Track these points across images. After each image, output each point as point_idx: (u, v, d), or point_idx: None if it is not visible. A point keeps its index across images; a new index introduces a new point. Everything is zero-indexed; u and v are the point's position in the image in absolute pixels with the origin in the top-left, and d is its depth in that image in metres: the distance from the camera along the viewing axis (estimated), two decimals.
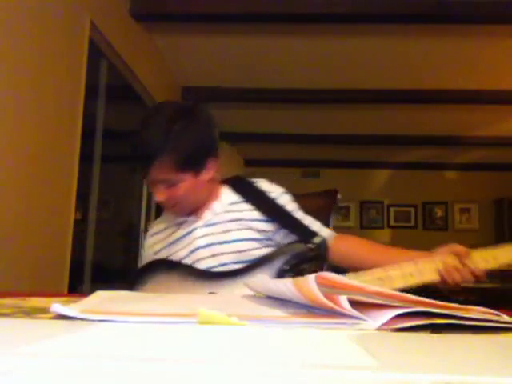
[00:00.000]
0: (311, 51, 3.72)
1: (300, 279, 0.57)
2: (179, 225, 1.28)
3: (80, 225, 2.61)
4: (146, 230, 1.40)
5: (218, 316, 0.50)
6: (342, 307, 0.51)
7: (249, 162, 6.86)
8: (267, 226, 1.23)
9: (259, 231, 1.23)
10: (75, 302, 0.61)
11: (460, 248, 1.09)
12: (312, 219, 1.27)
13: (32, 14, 2.01)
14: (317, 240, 1.18)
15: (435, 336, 0.49)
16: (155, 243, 1.32)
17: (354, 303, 0.52)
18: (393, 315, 0.50)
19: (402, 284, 1.00)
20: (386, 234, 6.82)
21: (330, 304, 0.51)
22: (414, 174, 6.76)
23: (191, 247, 1.23)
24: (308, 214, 1.29)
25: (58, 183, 2.25)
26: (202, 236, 1.23)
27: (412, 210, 6.93)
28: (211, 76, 4.23)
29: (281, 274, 1.11)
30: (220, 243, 1.22)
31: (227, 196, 1.27)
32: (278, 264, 1.13)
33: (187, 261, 1.23)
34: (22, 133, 1.97)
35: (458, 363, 0.36)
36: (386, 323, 0.50)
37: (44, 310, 0.61)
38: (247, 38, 3.59)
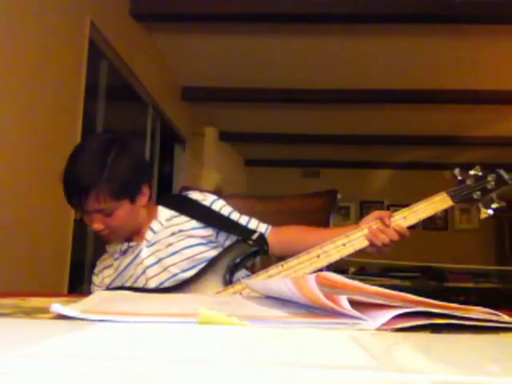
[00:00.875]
0: (311, 51, 3.72)
1: (300, 279, 0.57)
2: (124, 253, 1.30)
3: (80, 225, 2.61)
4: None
5: (218, 316, 0.50)
6: (341, 307, 0.51)
7: (249, 162, 6.86)
8: (206, 232, 1.29)
9: (200, 237, 1.28)
10: (75, 302, 0.61)
11: (382, 212, 1.20)
12: (248, 218, 1.33)
13: (32, 14, 2.01)
14: (254, 236, 1.23)
15: (435, 336, 0.49)
16: (105, 278, 1.33)
17: (354, 303, 0.52)
18: (393, 315, 0.50)
19: (337, 255, 1.13)
20: None
21: (330, 304, 0.51)
22: (414, 173, 6.75)
23: (141, 268, 1.26)
24: (307, 214, 1.31)
25: (58, 183, 2.25)
26: (149, 255, 1.26)
27: None
28: (211, 76, 4.23)
29: (231, 273, 1.18)
30: (168, 256, 1.25)
31: (163, 213, 1.31)
32: (224, 265, 1.18)
33: (141, 281, 1.25)
34: (22, 133, 1.97)
35: (458, 363, 0.36)
36: (386, 323, 0.50)
37: (44, 310, 0.61)
38: (247, 38, 3.59)
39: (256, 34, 3.52)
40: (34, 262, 2.03)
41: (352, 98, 4.39)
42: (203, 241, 1.28)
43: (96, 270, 1.38)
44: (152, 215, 1.31)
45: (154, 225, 1.29)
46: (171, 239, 1.27)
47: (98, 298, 0.71)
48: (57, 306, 0.52)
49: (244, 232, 1.26)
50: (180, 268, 1.24)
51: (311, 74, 4.04)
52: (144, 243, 1.28)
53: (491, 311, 0.56)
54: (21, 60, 1.94)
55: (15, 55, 1.91)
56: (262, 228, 1.32)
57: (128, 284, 1.27)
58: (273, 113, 5.10)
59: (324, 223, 1.44)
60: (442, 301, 0.55)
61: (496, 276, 5.34)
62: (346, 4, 2.97)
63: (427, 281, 4.27)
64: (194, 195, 1.34)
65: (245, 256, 1.20)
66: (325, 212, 1.51)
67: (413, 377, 0.30)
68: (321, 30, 3.39)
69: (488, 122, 5.01)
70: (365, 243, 1.16)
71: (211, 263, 1.21)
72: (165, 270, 1.25)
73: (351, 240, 1.15)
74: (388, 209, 6.90)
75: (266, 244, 1.25)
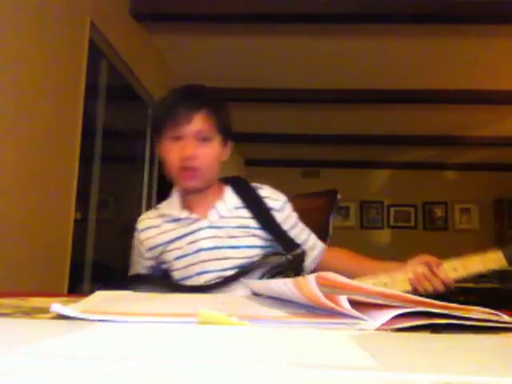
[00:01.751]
0: (311, 51, 3.72)
1: (300, 279, 0.57)
2: (178, 221, 1.24)
3: (80, 225, 2.61)
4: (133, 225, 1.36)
5: (218, 316, 0.50)
6: (342, 307, 0.51)
7: (249, 162, 6.85)
8: (266, 235, 1.23)
9: (263, 239, 1.23)
10: (75, 301, 0.61)
11: (430, 258, 1.15)
12: (309, 232, 1.30)
13: (32, 14, 2.01)
14: (295, 252, 1.19)
15: (435, 336, 0.49)
16: (148, 238, 1.28)
17: (354, 303, 0.52)
18: (393, 315, 0.50)
19: None
20: (386, 234, 6.83)
21: (330, 304, 0.51)
22: (413, 173, 6.75)
23: (194, 248, 1.21)
24: (307, 214, 1.30)
25: (58, 183, 2.25)
26: (208, 238, 1.21)
27: (412, 210, 6.93)
28: (211, 76, 4.23)
29: None
30: (227, 247, 1.20)
31: (231, 199, 1.25)
32: (256, 275, 1.14)
33: (189, 260, 1.20)
34: (22, 133, 1.97)
35: (458, 363, 0.36)
36: (386, 323, 0.50)
37: (44, 310, 0.61)
38: (247, 38, 3.59)
39: (256, 34, 3.52)
40: (33, 262, 2.03)
41: (352, 98, 4.39)
42: (264, 244, 1.22)
43: (140, 226, 1.31)
44: (218, 192, 1.26)
45: (220, 206, 1.23)
46: (235, 232, 1.21)
47: (98, 297, 0.71)
48: (57, 305, 0.52)
49: (288, 245, 1.21)
50: (233, 264, 1.18)
51: (311, 73, 4.04)
52: (205, 222, 1.21)
53: (491, 311, 0.56)
54: (21, 60, 1.94)
55: (15, 55, 1.91)
56: (318, 246, 1.30)
57: (171, 257, 1.23)
58: (273, 113, 5.10)
59: (324, 223, 1.44)
60: (441, 301, 0.55)
61: (496, 276, 5.34)
62: (345, 4, 2.97)
63: None
64: (265, 192, 1.27)
65: (279, 270, 1.15)
66: (325, 212, 1.51)
67: (413, 377, 0.30)
68: (321, 29, 3.39)
69: (488, 122, 5.01)
70: (407, 287, 1.11)
71: (244, 269, 1.16)
72: (219, 260, 1.19)
73: (394, 281, 1.11)
74: (388, 209, 6.91)
75: (302, 262, 1.21)
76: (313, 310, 0.58)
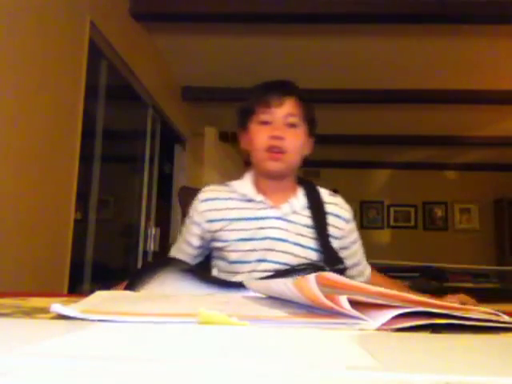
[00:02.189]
0: (311, 51, 3.72)
1: (300, 279, 0.57)
2: (250, 202, 1.23)
3: (80, 225, 2.61)
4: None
5: (218, 316, 0.50)
6: (342, 307, 0.51)
7: (249, 162, 6.85)
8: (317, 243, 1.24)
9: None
10: (75, 302, 0.61)
11: (467, 298, 1.11)
12: (363, 256, 1.32)
13: (32, 14, 2.01)
14: (336, 267, 1.18)
15: (435, 336, 0.49)
16: (210, 210, 1.24)
17: (354, 303, 0.52)
18: (393, 315, 0.50)
19: None
20: (386, 234, 6.83)
21: (329, 304, 0.51)
22: (413, 173, 6.76)
23: (261, 234, 1.19)
24: None
25: (58, 183, 2.25)
26: (277, 228, 1.20)
27: (412, 209, 6.93)
28: (211, 76, 4.23)
29: None
30: (292, 243, 1.20)
31: (302, 199, 1.25)
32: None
33: (253, 244, 1.19)
34: (22, 133, 1.97)
35: (458, 363, 0.36)
36: (386, 323, 0.50)
37: (44, 310, 0.61)
38: (247, 38, 3.59)
39: (256, 34, 3.52)
40: (34, 262, 2.03)
41: (352, 97, 4.39)
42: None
43: (202, 196, 1.27)
44: (293, 188, 1.26)
45: (293, 202, 1.23)
46: (303, 231, 1.21)
47: (98, 298, 0.71)
48: (57, 306, 0.52)
49: (332, 257, 1.20)
50: (294, 261, 1.17)
51: (311, 73, 4.04)
52: (278, 212, 1.21)
53: (491, 311, 0.56)
54: (20, 60, 1.94)
55: (15, 55, 1.91)
56: (366, 273, 1.31)
57: (233, 237, 1.21)
58: None
59: None
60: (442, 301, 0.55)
61: (496, 276, 5.34)
62: (345, 4, 2.97)
63: (427, 281, 4.27)
64: (337, 200, 1.29)
65: None
66: None
67: (413, 377, 0.30)
68: (321, 29, 3.39)
69: (488, 122, 5.01)
70: None
71: (282, 273, 1.13)
72: (284, 253, 1.18)
73: None
74: (388, 209, 6.91)
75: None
76: (313, 310, 0.58)
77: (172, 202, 4.49)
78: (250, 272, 1.18)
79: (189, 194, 1.54)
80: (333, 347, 0.42)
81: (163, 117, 4.01)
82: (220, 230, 1.22)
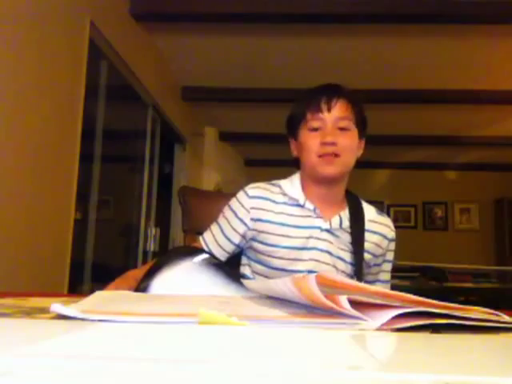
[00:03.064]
0: (311, 51, 3.72)
1: (300, 279, 0.57)
2: (298, 207, 1.20)
3: (80, 225, 2.61)
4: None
5: (218, 316, 0.50)
6: (342, 307, 0.51)
7: (249, 162, 6.86)
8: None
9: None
10: (75, 302, 0.61)
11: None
12: (389, 279, 1.31)
13: (32, 15, 2.01)
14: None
15: (435, 336, 0.49)
16: (260, 208, 1.20)
17: (354, 303, 0.52)
18: (393, 315, 0.50)
19: None
20: None
21: (329, 304, 0.51)
22: (413, 174, 6.76)
23: (309, 244, 1.18)
24: None
25: (58, 183, 2.25)
26: (324, 240, 1.18)
27: (412, 210, 6.93)
28: (211, 76, 4.23)
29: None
30: (336, 257, 1.19)
31: (348, 214, 1.23)
32: None
33: (299, 254, 1.17)
34: (22, 133, 1.97)
35: (458, 363, 0.36)
36: (386, 323, 0.50)
37: (44, 310, 0.61)
38: (247, 38, 3.59)
39: (256, 34, 3.52)
40: (33, 261, 2.03)
41: None
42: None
43: (252, 192, 1.22)
44: (342, 201, 1.24)
45: (343, 217, 1.21)
46: (346, 246, 1.20)
47: (98, 297, 0.71)
48: (57, 306, 0.52)
49: (361, 275, 1.20)
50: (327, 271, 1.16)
51: (311, 73, 4.03)
52: (326, 224, 1.19)
53: (491, 311, 0.56)
54: (21, 60, 1.94)
55: (15, 55, 1.91)
56: (387, 284, 1.30)
57: (277, 242, 1.18)
58: (273, 113, 5.09)
59: None
60: (441, 301, 0.55)
61: (496, 276, 5.34)
62: (345, 4, 2.97)
63: (427, 281, 4.27)
64: (386, 220, 1.28)
65: None
66: None
67: (413, 377, 0.30)
68: (321, 29, 3.39)
69: (488, 121, 5.01)
70: None
71: None
72: (328, 265, 1.17)
73: None
74: (388, 209, 6.91)
75: None
76: (313, 310, 0.58)
77: (172, 202, 4.49)
78: None
79: (189, 194, 1.54)
80: (333, 347, 0.42)
81: (163, 117, 4.01)
82: (265, 232, 1.19)
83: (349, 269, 1.20)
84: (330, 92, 1.18)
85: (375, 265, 1.26)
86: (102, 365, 0.31)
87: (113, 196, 3.55)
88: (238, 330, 0.48)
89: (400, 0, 2.97)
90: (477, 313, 0.54)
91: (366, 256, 1.22)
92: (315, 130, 1.16)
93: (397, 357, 0.39)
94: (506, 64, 3.77)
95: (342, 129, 1.16)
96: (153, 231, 3.87)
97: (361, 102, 1.21)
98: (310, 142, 1.17)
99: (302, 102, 1.21)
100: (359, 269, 1.19)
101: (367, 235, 1.22)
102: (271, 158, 6.61)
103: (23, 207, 1.97)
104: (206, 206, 1.48)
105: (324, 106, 1.16)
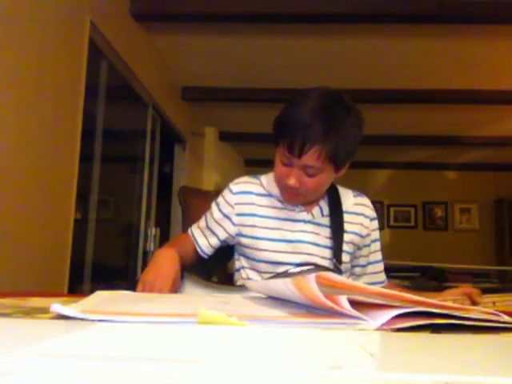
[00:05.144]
0: (311, 51, 3.72)
1: (300, 279, 0.57)
2: (284, 203, 1.21)
3: (80, 225, 2.61)
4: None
5: (218, 316, 0.50)
6: (341, 307, 0.51)
7: (249, 162, 6.85)
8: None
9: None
10: (75, 302, 0.61)
11: (472, 289, 1.12)
12: (381, 262, 1.31)
13: (32, 14, 2.01)
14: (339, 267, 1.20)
15: (435, 336, 0.49)
16: (244, 203, 1.22)
17: (354, 303, 0.52)
18: (393, 315, 0.50)
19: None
20: (385, 233, 6.83)
21: (329, 304, 0.51)
22: (413, 174, 6.76)
23: (293, 237, 1.19)
24: None
25: (58, 183, 2.25)
26: (308, 232, 1.20)
27: (412, 209, 6.93)
28: (211, 76, 4.23)
29: None
30: (324, 247, 1.20)
31: (327, 201, 1.25)
32: None
33: (285, 247, 1.18)
34: (22, 133, 1.97)
35: (457, 363, 0.36)
36: (386, 323, 0.50)
37: (44, 310, 0.61)
38: (247, 38, 3.59)
39: (256, 34, 3.52)
40: (34, 262, 2.03)
41: (352, 98, 4.38)
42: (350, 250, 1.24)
43: (236, 188, 1.24)
44: (323, 194, 1.24)
45: (324, 207, 1.22)
46: (329, 232, 1.21)
47: (98, 297, 0.71)
48: (57, 305, 0.52)
49: (339, 258, 1.21)
50: (322, 263, 1.17)
51: (311, 74, 4.04)
52: (308, 215, 1.21)
53: (491, 311, 0.56)
54: (21, 60, 1.94)
55: (15, 55, 1.91)
56: (383, 278, 1.31)
57: (269, 236, 1.18)
58: (273, 113, 5.08)
59: None
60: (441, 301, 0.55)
61: (496, 276, 5.34)
62: (345, 4, 2.97)
63: (427, 281, 4.27)
64: (365, 200, 1.29)
65: None
66: None
67: (413, 377, 0.30)
68: (321, 29, 3.39)
69: (488, 122, 5.01)
70: None
71: (291, 275, 1.12)
72: (317, 257, 1.18)
73: None
74: (388, 209, 6.91)
75: None
76: (313, 310, 0.58)
77: (172, 202, 4.49)
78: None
79: (189, 194, 1.54)
80: (333, 347, 0.42)
81: (163, 117, 4.01)
82: (251, 225, 1.20)
83: (345, 257, 1.21)
84: (304, 135, 1.07)
85: (364, 246, 1.27)
86: (102, 365, 0.31)
87: (113, 196, 3.55)
88: (237, 330, 0.48)
89: (400, 0, 2.97)
90: (477, 313, 0.54)
91: (354, 238, 1.23)
92: (285, 164, 1.13)
93: (397, 357, 0.39)
94: (506, 64, 3.77)
95: (309, 174, 1.11)
96: (153, 231, 3.87)
97: (347, 137, 1.09)
98: (278, 170, 1.16)
99: (279, 129, 1.16)
100: (339, 252, 1.20)
101: (350, 218, 1.24)
102: (271, 158, 6.60)
103: (23, 207, 1.97)
104: (206, 206, 1.48)
105: (296, 150, 1.08)
